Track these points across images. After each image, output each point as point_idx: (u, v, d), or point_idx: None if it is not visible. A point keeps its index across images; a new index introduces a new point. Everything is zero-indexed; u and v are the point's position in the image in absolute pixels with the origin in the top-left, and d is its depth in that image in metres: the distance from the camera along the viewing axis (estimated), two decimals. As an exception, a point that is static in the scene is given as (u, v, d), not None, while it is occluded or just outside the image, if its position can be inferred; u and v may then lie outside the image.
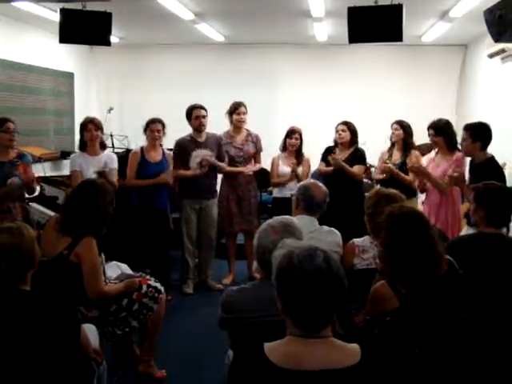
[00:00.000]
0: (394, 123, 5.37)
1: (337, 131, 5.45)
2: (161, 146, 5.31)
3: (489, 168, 4.23)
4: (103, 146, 5.03)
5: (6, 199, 4.38)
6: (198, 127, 5.37)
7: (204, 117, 5.38)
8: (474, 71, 7.95)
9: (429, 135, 4.96)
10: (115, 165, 4.96)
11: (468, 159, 4.65)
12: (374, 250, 3.08)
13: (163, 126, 5.20)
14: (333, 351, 1.63)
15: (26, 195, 4.72)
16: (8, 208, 4.39)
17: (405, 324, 2.15)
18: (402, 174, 5.08)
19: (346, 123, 5.46)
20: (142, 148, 5.25)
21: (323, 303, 1.61)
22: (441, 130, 4.72)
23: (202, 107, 5.40)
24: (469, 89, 8.13)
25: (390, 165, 5.12)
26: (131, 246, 5.03)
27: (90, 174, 4.69)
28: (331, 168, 5.35)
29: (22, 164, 4.57)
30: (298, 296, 1.62)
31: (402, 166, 5.14)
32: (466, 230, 4.28)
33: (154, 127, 5.15)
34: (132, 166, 5.17)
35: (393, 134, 5.35)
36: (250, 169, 5.62)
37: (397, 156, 5.29)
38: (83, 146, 4.93)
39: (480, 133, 4.31)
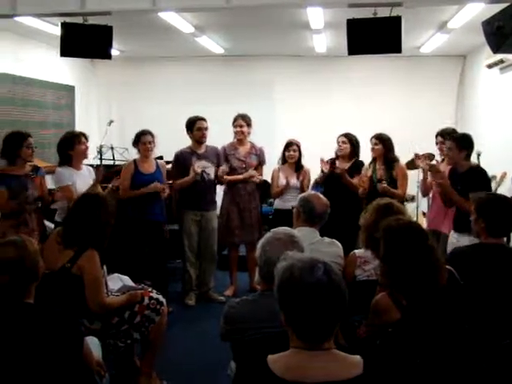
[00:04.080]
0: (373, 138, 5.18)
1: (337, 143, 5.47)
2: (157, 158, 5.31)
3: (475, 175, 4.33)
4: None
5: (24, 212, 4.39)
6: (200, 139, 5.40)
7: (206, 129, 5.40)
8: (472, 82, 7.99)
9: (437, 143, 5.05)
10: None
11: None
12: (375, 261, 3.09)
13: (153, 137, 5.20)
14: (336, 363, 1.63)
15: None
16: (25, 220, 4.40)
17: (407, 335, 2.16)
18: (393, 190, 4.97)
19: (346, 135, 5.47)
20: (134, 160, 5.27)
21: (324, 316, 1.62)
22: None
23: (203, 119, 5.42)
24: (468, 99, 8.17)
25: (385, 185, 4.97)
26: (129, 258, 5.01)
27: (81, 188, 4.56)
28: (322, 174, 5.38)
29: (37, 177, 4.59)
30: (299, 308, 1.63)
31: (390, 181, 5.05)
32: (452, 235, 4.36)
33: (145, 139, 5.15)
34: (125, 178, 5.14)
35: (372, 148, 5.18)
36: (248, 174, 5.59)
37: (381, 171, 5.14)
38: (68, 160, 4.69)
39: (465, 142, 4.41)
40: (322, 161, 5.40)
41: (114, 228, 3.47)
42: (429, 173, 4.80)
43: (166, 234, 5.41)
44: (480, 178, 4.32)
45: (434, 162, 5.07)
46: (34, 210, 4.48)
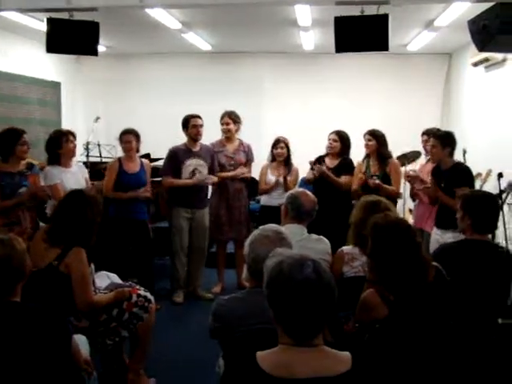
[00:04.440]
0: (366, 134, 5.15)
1: (328, 140, 5.43)
2: (144, 155, 5.28)
3: (458, 172, 4.41)
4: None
5: (17, 209, 4.35)
6: (195, 136, 5.39)
7: (201, 126, 5.40)
8: (458, 79, 8.05)
9: (422, 141, 5.12)
10: (87, 175, 4.96)
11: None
12: (363, 258, 3.11)
13: (136, 136, 5.15)
14: (324, 359, 1.64)
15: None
16: (17, 219, 4.36)
17: (394, 331, 2.17)
18: (387, 186, 4.95)
19: (337, 133, 5.42)
20: (119, 159, 5.24)
21: (313, 312, 1.63)
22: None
23: (198, 116, 5.43)
24: (453, 97, 8.23)
25: (378, 181, 4.94)
26: (114, 257, 4.97)
27: (71, 186, 4.49)
28: (312, 176, 5.34)
29: (32, 174, 4.54)
30: (288, 305, 1.64)
31: (384, 177, 5.03)
32: (435, 232, 4.45)
33: (125, 139, 5.11)
34: (110, 177, 5.10)
35: (366, 145, 5.15)
36: (240, 172, 5.60)
37: (375, 167, 5.12)
38: (57, 159, 4.68)
39: (448, 140, 4.49)
40: (316, 165, 5.34)
41: (100, 226, 3.45)
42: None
43: (150, 233, 5.40)
44: (464, 174, 4.39)
45: (423, 161, 5.15)
46: (27, 207, 4.43)
